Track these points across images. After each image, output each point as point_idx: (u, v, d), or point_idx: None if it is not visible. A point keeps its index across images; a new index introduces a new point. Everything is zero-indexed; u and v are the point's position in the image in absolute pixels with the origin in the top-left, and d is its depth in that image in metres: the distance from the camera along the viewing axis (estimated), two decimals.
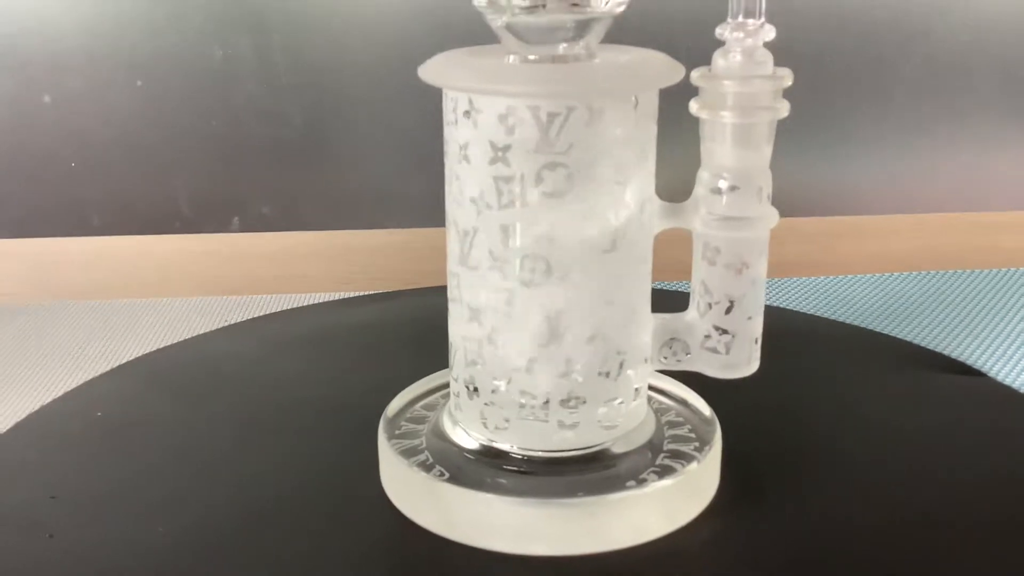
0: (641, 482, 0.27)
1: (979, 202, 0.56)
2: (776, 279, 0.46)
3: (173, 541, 0.27)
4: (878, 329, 0.40)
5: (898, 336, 0.39)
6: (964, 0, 0.55)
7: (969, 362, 0.37)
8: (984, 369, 0.37)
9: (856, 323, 0.41)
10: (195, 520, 0.28)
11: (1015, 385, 0.36)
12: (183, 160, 0.55)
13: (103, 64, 0.54)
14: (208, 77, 0.54)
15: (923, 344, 0.39)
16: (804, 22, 0.54)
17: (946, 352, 0.38)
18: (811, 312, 0.42)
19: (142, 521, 0.28)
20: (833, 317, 0.42)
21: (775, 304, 0.43)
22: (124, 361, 0.38)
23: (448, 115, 0.26)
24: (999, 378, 0.36)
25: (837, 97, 0.55)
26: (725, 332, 0.28)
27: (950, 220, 0.54)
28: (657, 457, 0.28)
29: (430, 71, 0.26)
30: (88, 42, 0.53)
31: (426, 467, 0.28)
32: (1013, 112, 0.57)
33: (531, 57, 0.26)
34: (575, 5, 0.25)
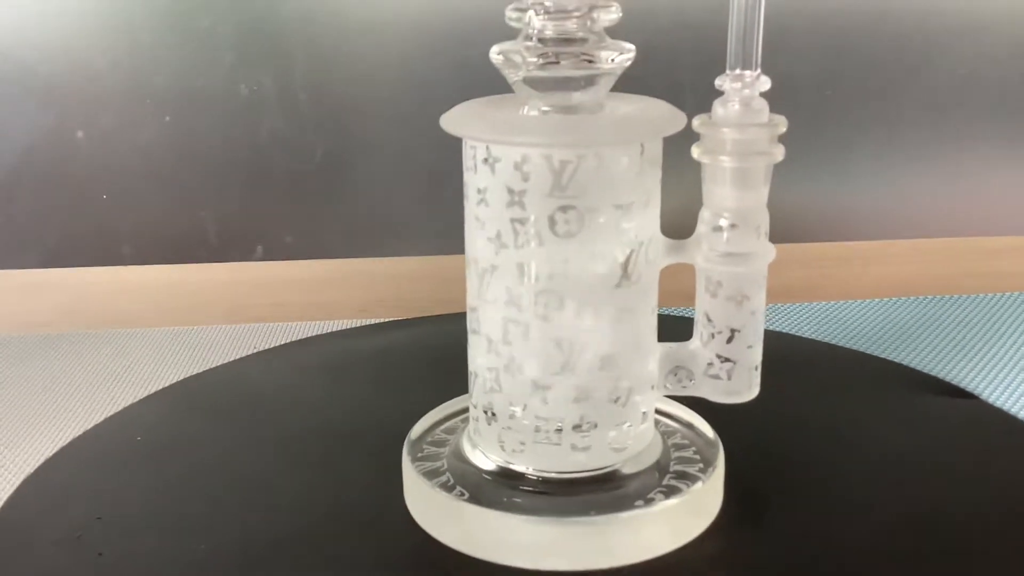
0: (649, 501, 0.29)
1: (975, 228, 0.58)
2: (777, 304, 0.48)
3: (213, 557, 0.29)
4: (875, 353, 0.42)
5: (894, 360, 0.41)
6: (962, 35, 0.57)
7: (962, 385, 0.39)
8: (976, 391, 0.39)
9: (854, 347, 0.43)
10: (232, 537, 0.30)
11: (1006, 407, 0.37)
12: (209, 192, 0.57)
13: (133, 101, 0.56)
14: (233, 113, 0.56)
15: (918, 367, 0.41)
16: (808, 56, 0.56)
17: (940, 375, 0.40)
18: (811, 336, 0.44)
19: (184, 538, 0.30)
20: (832, 341, 0.43)
21: (776, 329, 0.45)
22: (160, 387, 0.40)
23: (468, 162, 0.29)
24: (991, 400, 0.38)
25: (839, 129, 0.57)
26: (727, 360, 0.30)
27: (948, 245, 0.56)
28: (664, 477, 0.30)
29: (451, 122, 0.28)
30: (119, 80, 0.56)
31: (447, 487, 0.30)
32: (1008, 141, 0.59)
33: (544, 108, 0.28)
34: (585, 61, 0.27)
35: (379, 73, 0.56)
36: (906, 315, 0.46)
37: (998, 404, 0.38)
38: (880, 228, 0.58)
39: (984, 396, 0.38)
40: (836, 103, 0.57)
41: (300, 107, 0.56)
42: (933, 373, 0.40)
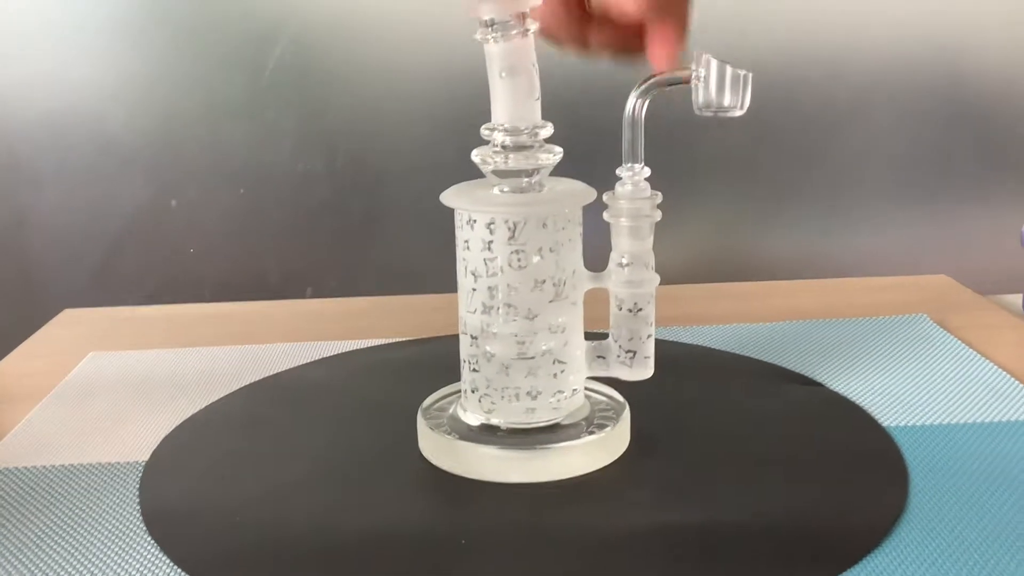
0: (577, 439, 0.45)
1: (857, 271, 0.74)
2: (695, 327, 0.63)
3: (295, 480, 0.45)
4: (756, 357, 0.58)
5: (768, 361, 0.57)
6: (852, 119, 0.74)
7: (814, 377, 0.55)
8: (823, 382, 0.54)
9: (743, 354, 0.58)
10: (307, 469, 0.46)
11: (840, 392, 0.53)
12: (271, 246, 0.73)
13: (214, 176, 0.73)
14: (291, 185, 0.73)
15: (784, 366, 0.56)
16: (730, 140, 0.72)
17: (799, 371, 0.56)
18: (718, 349, 0.60)
19: (279, 469, 0.46)
20: (729, 351, 0.59)
21: (691, 343, 0.61)
22: (245, 384, 0.56)
23: (458, 222, 0.45)
24: (831, 387, 0.54)
25: (754, 196, 0.74)
26: (630, 351, 0.46)
27: (833, 284, 0.72)
28: (589, 427, 0.46)
29: (447, 198, 0.45)
30: (204, 161, 0.73)
31: (447, 433, 0.46)
32: (890, 204, 0.75)
33: (505, 189, 0.44)
34: (531, 160, 0.44)
35: (403, 157, 0.73)
36: (789, 333, 0.62)
37: (835, 390, 0.53)
38: (784, 271, 0.74)
39: (827, 384, 0.54)
40: (756, 182, 0.74)
41: (343, 181, 0.73)
42: (794, 369, 0.56)
